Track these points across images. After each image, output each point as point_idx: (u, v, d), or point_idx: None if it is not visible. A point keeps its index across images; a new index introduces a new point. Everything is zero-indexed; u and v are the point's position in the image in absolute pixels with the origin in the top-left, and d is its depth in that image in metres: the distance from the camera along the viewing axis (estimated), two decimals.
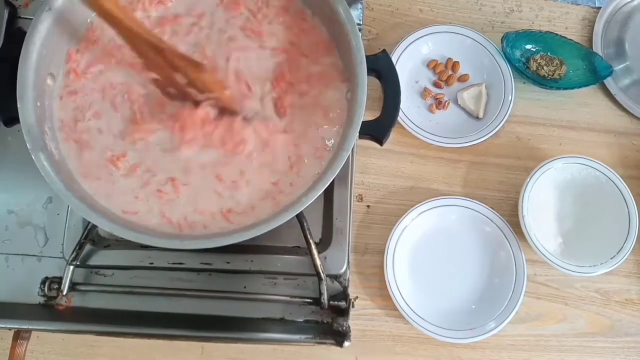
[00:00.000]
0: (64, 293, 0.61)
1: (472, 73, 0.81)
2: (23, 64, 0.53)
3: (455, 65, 0.80)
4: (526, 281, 0.71)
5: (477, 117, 0.78)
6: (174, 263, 0.63)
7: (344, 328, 0.62)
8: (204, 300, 0.63)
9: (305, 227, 0.61)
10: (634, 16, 0.86)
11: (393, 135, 0.59)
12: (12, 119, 0.53)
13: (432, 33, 0.80)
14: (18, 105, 0.52)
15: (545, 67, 0.81)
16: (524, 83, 0.82)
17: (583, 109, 0.83)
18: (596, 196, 0.75)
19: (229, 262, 0.64)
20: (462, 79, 0.80)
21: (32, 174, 0.51)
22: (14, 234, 0.64)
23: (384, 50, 0.60)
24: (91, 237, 0.62)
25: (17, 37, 0.54)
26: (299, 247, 0.65)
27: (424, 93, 0.79)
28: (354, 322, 0.64)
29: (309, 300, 0.63)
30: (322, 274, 0.61)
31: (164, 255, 0.63)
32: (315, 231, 0.66)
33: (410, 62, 0.80)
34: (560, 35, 0.82)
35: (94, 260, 0.63)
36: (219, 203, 0.56)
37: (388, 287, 0.70)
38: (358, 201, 0.75)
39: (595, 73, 0.81)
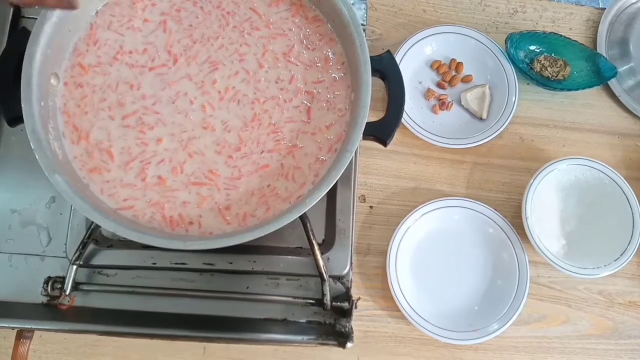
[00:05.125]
0: (67, 293, 0.61)
1: (476, 74, 0.80)
2: (27, 64, 0.53)
3: (458, 66, 0.80)
4: (529, 283, 0.71)
5: (481, 118, 0.78)
6: (176, 263, 0.63)
7: (347, 329, 0.62)
8: (206, 301, 0.63)
9: (309, 227, 0.61)
10: (639, 17, 0.86)
11: (396, 136, 0.59)
12: (16, 119, 0.53)
13: (436, 34, 0.80)
14: (22, 105, 0.52)
15: (549, 68, 0.81)
16: (528, 84, 0.82)
17: (587, 110, 0.83)
18: (600, 198, 0.74)
19: (231, 263, 0.64)
20: (466, 79, 0.80)
21: (35, 174, 0.51)
22: (17, 233, 0.65)
23: (388, 51, 0.60)
24: (94, 237, 0.63)
25: (21, 36, 0.55)
26: (301, 247, 0.65)
27: (427, 94, 0.79)
28: (356, 323, 0.64)
29: (311, 301, 0.63)
30: (324, 274, 0.61)
31: (166, 255, 0.63)
32: (318, 232, 0.66)
33: (413, 62, 0.80)
34: (564, 36, 0.82)
35: (96, 260, 0.63)
36: (214, 198, 0.57)
37: (390, 288, 0.70)
38: (361, 202, 0.75)
39: (599, 74, 0.81)
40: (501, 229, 0.73)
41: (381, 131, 0.58)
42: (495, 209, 0.74)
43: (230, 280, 0.64)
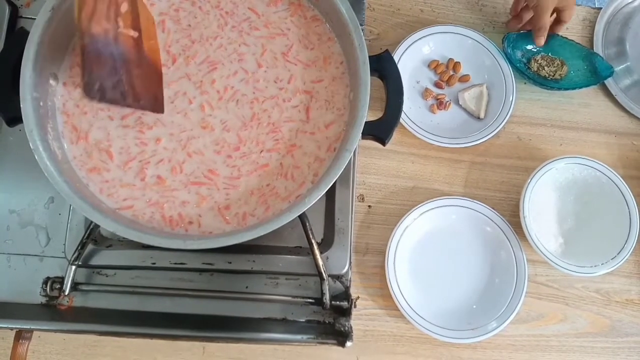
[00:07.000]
0: (66, 293, 0.60)
1: (473, 73, 0.81)
2: (25, 64, 0.53)
3: (456, 65, 0.80)
4: (527, 281, 0.72)
5: (478, 118, 0.78)
6: (175, 263, 0.63)
7: (346, 328, 0.62)
8: (205, 300, 0.63)
9: (308, 227, 0.61)
10: (635, 17, 0.86)
11: (394, 135, 0.59)
12: (15, 119, 0.53)
13: (433, 33, 0.80)
14: (21, 106, 0.52)
15: (546, 68, 0.82)
16: (525, 83, 0.82)
17: (584, 109, 0.83)
18: (597, 196, 0.75)
19: (230, 262, 0.64)
20: (463, 79, 0.80)
21: (34, 174, 0.51)
22: (16, 234, 0.64)
23: (386, 50, 0.60)
24: (93, 237, 0.62)
25: (19, 37, 0.55)
26: (300, 247, 0.66)
27: (425, 93, 0.79)
28: (355, 322, 0.64)
29: (310, 300, 0.63)
30: (324, 274, 0.61)
31: (166, 255, 0.63)
32: (317, 231, 0.66)
33: (411, 62, 0.80)
34: (561, 36, 0.82)
35: (95, 260, 0.63)
36: (214, 198, 0.57)
37: (389, 287, 0.70)
38: (359, 201, 0.75)
39: (596, 73, 0.81)
40: (499, 227, 0.74)
41: (380, 130, 0.58)
42: (493, 208, 0.74)
43: (229, 279, 0.64)
